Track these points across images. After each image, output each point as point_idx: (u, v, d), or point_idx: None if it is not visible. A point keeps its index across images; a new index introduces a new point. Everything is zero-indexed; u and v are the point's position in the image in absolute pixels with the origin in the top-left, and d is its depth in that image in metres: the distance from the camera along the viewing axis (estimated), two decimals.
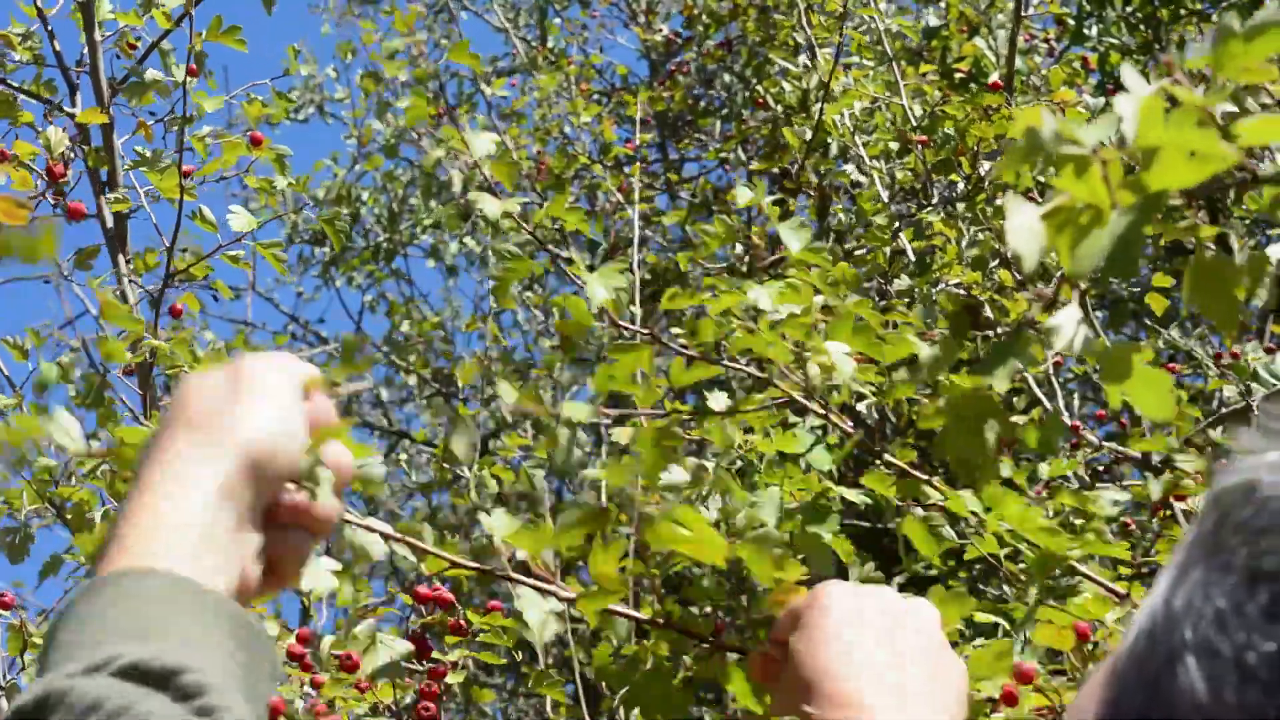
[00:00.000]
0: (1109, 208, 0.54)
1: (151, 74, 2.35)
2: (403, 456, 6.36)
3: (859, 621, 0.90)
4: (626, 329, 1.23)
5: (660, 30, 6.11)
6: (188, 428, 0.85)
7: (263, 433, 0.86)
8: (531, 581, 1.12)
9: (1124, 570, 2.64)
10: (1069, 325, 0.57)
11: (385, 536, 1.08)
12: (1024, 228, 0.53)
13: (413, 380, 6.70)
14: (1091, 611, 1.35)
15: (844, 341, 1.20)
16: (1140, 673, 0.55)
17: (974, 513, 1.27)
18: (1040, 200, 0.55)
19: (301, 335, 7.19)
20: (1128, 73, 0.56)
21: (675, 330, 1.26)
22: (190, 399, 0.88)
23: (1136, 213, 0.53)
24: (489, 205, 1.29)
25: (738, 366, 1.25)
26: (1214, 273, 0.59)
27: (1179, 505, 2.61)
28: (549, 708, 5.33)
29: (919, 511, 1.26)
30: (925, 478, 1.30)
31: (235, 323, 7.18)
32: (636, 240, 4.62)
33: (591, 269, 1.18)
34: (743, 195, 1.33)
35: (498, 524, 1.09)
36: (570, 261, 5.95)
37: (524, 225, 1.43)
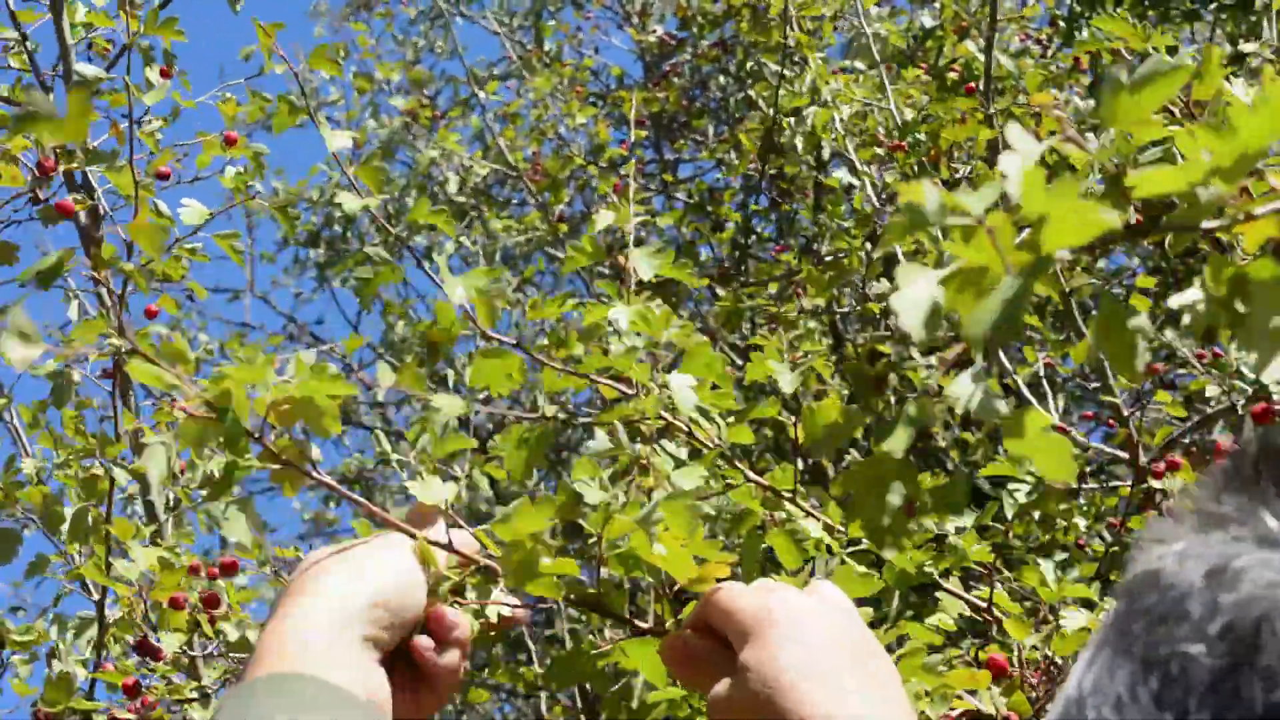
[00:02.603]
0: (1003, 270, 0.55)
1: (91, 70, 2.34)
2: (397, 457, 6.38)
3: (807, 635, 0.94)
4: (493, 337, 1.25)
5: (654, 31, 6.11)
6: (321, 574, 0.98)
7: (390, 579, 0.98)
8: (485, 561, 1.12)
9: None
10: (966, 389, 0.58)
11: (350, 498, 1.09)
12: (912, 302, 0.54)
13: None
14: (1014, 634, 1.38)
15: (695, 373, 1.24)
16: None
17: (833, 528, 1.32)
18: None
19: (299, 336, 7.21)
20: (1013, 131, 0.56)
21: (543, 343, 1.29)
22: (321, 556, 1.00)
23: (1025, 276, 0.54)
24: (348, 201, 1.32)
25: (604, 382, 1.28)
26: (1115, 321, 0.59)
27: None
28: (544, 708, 5.35)
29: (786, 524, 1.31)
30: (787, 494, 1.34)
31: (233, 324, 7.21)
32: (633, 241, 4.63)
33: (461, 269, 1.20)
34: (603, 219, 1.37)
35: (427, 490, 1.09)
36: (566, 260, 5.96)
37: (388, 226, 1.46)
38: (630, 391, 1.28)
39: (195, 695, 2.26)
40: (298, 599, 0.96)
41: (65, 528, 2.23)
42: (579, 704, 4.87)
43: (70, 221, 2.45)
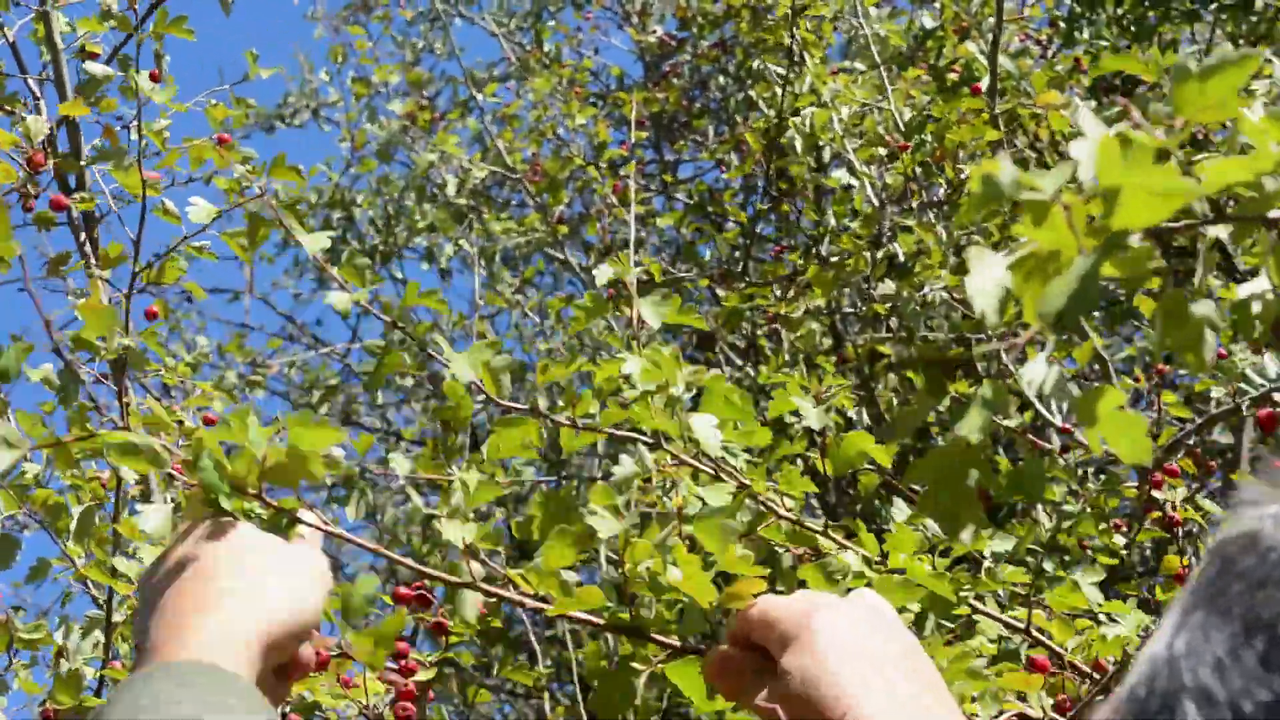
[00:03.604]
0: (1075, 252, 0.55)
1: (100, 69, 2.34)
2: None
3: (850, 638, 0.95)
4: (506, 405, 1.26)
5: (654, 32, 6.11)
6: (200, 603, 0.93)
7: (287, 598, 0.95)
8: (508, 595, 1.13)
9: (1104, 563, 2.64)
10: (1039, 373, 0.58)
11: (367, 548, 1.10)
12: (985, 287, 0.54)
13: (408, 382, 6.70)
14: (1058, 636, 1.38)
15: (715, 413, 1.24)
16: (1140, 717, 0.56)
17: (871, 560, 1.32)
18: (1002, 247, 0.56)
19: (298, 337, 7.19)
20: (1084, 115, 0.56)
21: (557, 406, 1.30)
22: (211, 556, 0.96)
23: (1099, 253, 0.53)
24: (337, 299, 1.33)
25: (622, 434, 1.29)
26: (1179, 311, 0.59)
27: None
28: (547, 708, 5.34)
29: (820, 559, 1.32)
30: (818, 529, 1.34)
31: (232, 325, 7.19)
32: (634, 241, 4.62)
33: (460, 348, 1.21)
34: (602, 274, 1.37)
35: (453, 531, 1.10)
36: (566, 263, 5.98)
37: (382, 317, 1.48)
38: (651, 442, 1.29)
39: None
40: (194, 617, 0.92)
41: (72, 528, 2.22)
42: (581, 704, 4.86)
43: (63, 224, 2.43)
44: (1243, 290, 0.58)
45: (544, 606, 1.11)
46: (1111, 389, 0.57)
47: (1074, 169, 0.55)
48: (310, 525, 1.06)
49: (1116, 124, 0.56)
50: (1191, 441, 3.34)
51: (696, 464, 1.27)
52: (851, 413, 4.32)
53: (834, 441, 1.34)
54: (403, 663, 1.48)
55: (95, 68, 2.38)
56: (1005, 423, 3.15)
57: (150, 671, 0.85)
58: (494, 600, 1.16)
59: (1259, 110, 1.25)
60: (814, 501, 4.88)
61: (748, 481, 1.30)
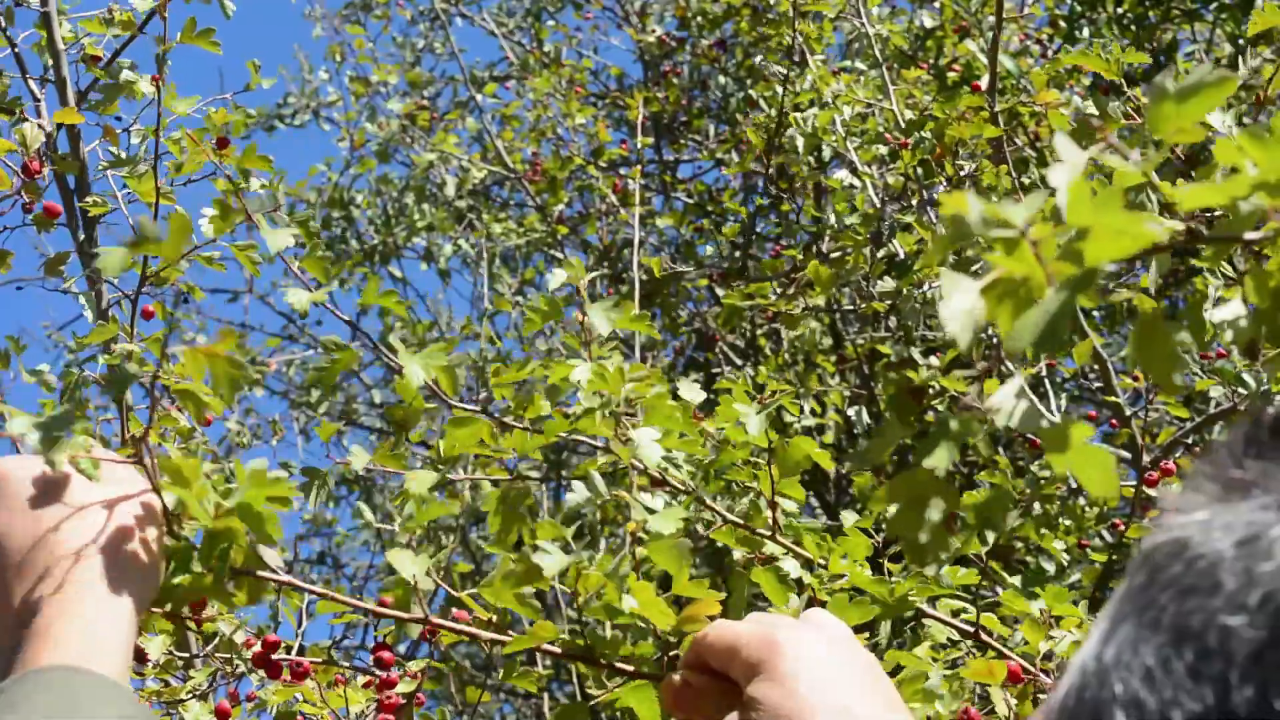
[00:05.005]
0: (1045, 282, 0.54)
1: (124, 75, 2.34)
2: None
3: (816, 663, 0.94)
4: (459, 406, 1.27)
5: (654, 31, 6.10)
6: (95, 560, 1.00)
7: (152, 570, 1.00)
8: (465, 629, 1.13)
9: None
10: (1008, 402, 0.57)
11: (318, 593, 1.10)
12: (959, 311, 0.53)
13: None
14: (1030, 638, 1.38)
15: (658, 424, 1.24)
16: None
17: (815, 563, 1.32)
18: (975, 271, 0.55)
19: (298, 337, 7.19)
20: (1060, 140, 0.55)
21: (508, 407, 1.31)
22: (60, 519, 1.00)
23: (1069, 290, 0.53)
24: (298, 297, 1.32)
25: (575, 439, 1.30)
26: (1156, 334, 0.58)
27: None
28: (546, 708, 5.34)
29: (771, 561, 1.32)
30: (767, 534, 1.34)
31: (232, 325, 7.19)
32: (636, 242, 4.62)
33: (417, 350, 1.20)
34: (556, 278, 1.37)
35: (403, 563, 1.09)
36: (562, 261, 5.96)
37: (336, 312, 1.48)
38: (601, 445, 1.29)
39: (189, 697, 2.24)
40: (86, 587, 0.96)
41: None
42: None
43: (63, 225, 2.43)
44: (1216, 315, 0.57)
45: (502, 639, 1.10)
46: (1081, 424, 0.56)
47: (1046, 198, 0.54)
48: (273, 571, 1.06)
49: (1092, 148, 0.56)
50: (1190, 441, 3.34)
51: (644, 470, 1.27)
52: (851, 412, 4.31)
53: (781, 446, 1.34)
54: (385, 675, 1.47)
55: (127, 75, 2.38)
56: (1041, 420, 3.13)
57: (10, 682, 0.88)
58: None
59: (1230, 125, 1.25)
60: (814, 501, 4.88)
61: (685, 490, 1.31)
